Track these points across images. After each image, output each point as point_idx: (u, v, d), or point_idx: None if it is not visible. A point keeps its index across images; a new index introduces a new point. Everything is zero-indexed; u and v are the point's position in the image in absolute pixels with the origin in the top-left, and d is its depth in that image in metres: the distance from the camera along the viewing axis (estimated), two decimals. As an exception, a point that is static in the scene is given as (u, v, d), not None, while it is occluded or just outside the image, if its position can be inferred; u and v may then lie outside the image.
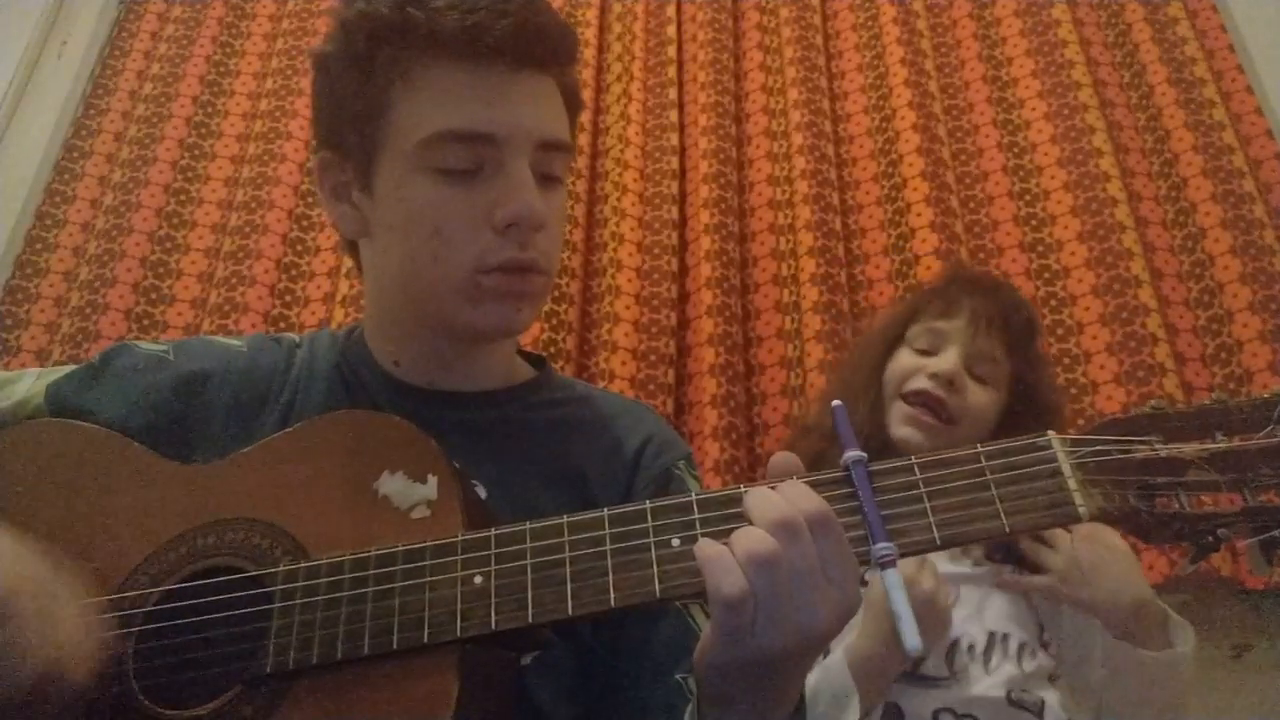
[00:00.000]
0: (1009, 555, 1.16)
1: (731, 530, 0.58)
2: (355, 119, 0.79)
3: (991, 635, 1.11)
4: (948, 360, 1.22)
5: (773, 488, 0.59)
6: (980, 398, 1.22)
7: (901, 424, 1.22)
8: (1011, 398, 1.25)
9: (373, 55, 0.77)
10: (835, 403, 0.67)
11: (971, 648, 1.10)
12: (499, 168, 0.76)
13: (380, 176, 0.79)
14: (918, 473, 0.61)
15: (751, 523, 0.57)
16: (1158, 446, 0.59)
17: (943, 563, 1.15)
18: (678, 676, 0.74)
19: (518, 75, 0.77)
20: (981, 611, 1.12)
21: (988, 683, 1.07)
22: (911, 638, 0.55)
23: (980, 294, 1.28)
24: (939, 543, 0.59)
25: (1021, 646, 1.11)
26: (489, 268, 0.77)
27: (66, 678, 0.61)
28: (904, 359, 1.26)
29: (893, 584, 0.57)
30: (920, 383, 1.22)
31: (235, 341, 0.90)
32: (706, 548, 0.57)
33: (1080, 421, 1.61)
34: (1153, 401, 0.61)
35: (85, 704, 0.64)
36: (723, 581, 0.55)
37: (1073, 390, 1.67)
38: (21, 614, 0.60)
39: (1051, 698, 1.08)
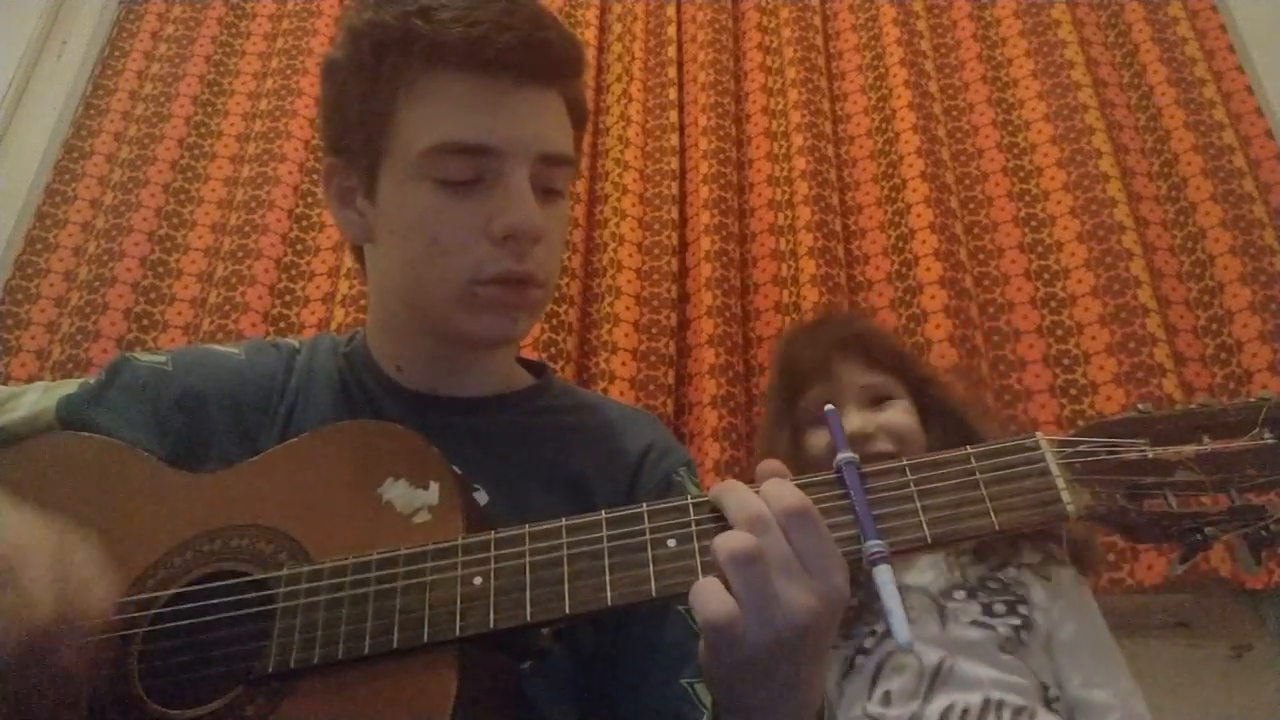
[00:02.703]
0: (993, 610, 1.17)
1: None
2: (360, 126, 0.80)
3: (987, 702, 1.11)
4: (851, 420, 1.25)
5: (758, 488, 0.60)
6: (894, 415, 1.26)
7: None
8: (912, 393, 1.30)
9: (378, 64, 0.78)
10: (828, 407, 0.68)
11: (966, 712, 1.11)
12: (499, 179, 0.77)
13: (383, 184, 0.80)
14: (909, 473, 0.62)
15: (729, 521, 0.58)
16: (1146, 448, 0.60)
17: (943, 627, 1.16)
18: (683, 682, 0.75)
19: (521, 88, 0.77)
20: (978, 679, 1.12)
21: None
22: (902, 633, 0.55)
23: (809, 347, 1.32)
24: (930, 540, 0.60)
25: (1019, 711, 1.11)
26: (485, 279, 0.77)
27: (77, 624, 0.62)
28: (811, 442, 1.28)
29: (884, 580, 0.57)
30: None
31: (233, 349, 0.91)
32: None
33: (1080, 422, 1.62)
34: (1140, 405, 0.62)
35: (91, 670, 0.65)
36: (708, 603, 0.56)
37: (1072, 391, 1.67)
38: (36, 564, 0.62)
39: None
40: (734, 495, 0.59)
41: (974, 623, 1.16)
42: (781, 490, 0.58)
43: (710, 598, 0.56)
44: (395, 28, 0.77)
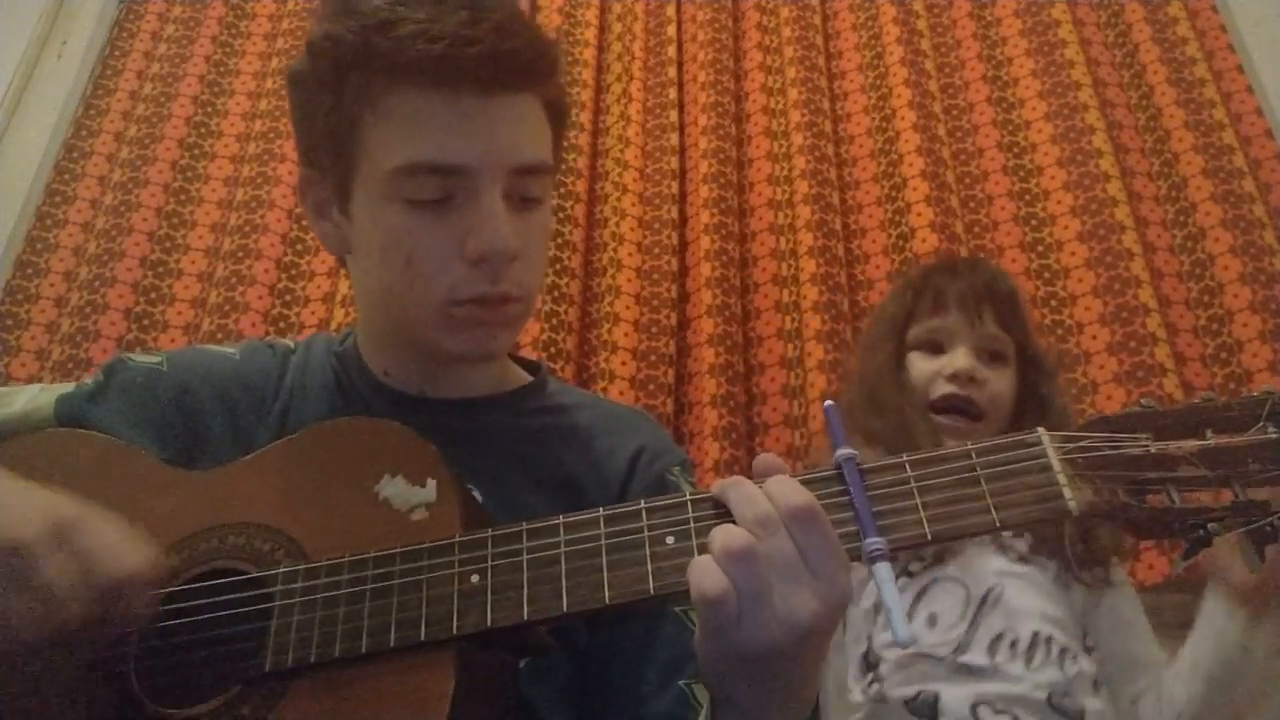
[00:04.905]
0: (1055, 551, 1.16)
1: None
2: (328, 142, 0.78)
3: (1035, 634, 1.10)
4: (961, 357, 1.23)
5: (761, 483, 0.59)
6: (1000, 382, 1.25)
7: (940, 436, 1.21)
8: (1021, 369, 1.27)
9: (340, 81, 0.75)
10: (827, 403, 0.68)
11: (1015, 643, 1.09)
12: (471, 196, 0.75)
13: (356, 200, 0.78)
14: (909, 470, 0.61)
15: (733, 518, 0.58)
16: (1148, 443, 0.59)
17: (991, 558, 1.16)
18: (681, 683, 0.74)
19: (490, 100, 0.74)
20: (1027, 610, 1.11)
21: (1030, 682, 1.06)
22: (902, 629, 0.55)
23: (962, 277, 1.30)
24: (930, 537, 0.59)
25: (1064, 651, 1.10)
26: (461, 300, 0.76)
27: (141, 578, 0.63)
28: (918, 365, 1.26)
29: (883, 578, 0.57)
30: (944, 388, 1.23)
31: (229, 349, 0.91)
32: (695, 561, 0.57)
33: (1079, 421, 1.61)
34: (1143, 400, 0.61)
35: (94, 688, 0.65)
36: (702, 579, 0.55)
37: (1072, 390, 1.66)
38: (95, 523, 0.63)
39: (1092, 705, 1.08)
40: (739, 492, 0.58)
41: (1021, 558, 1.16)
42: (786, 489, 0.58)
43: (705, 574, 0.55)
44: (354, 44, 0.74)
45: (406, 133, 0.74)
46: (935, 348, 1.26)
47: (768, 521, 0.56)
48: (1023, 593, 1.13)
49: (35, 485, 0.66)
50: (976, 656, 1.08)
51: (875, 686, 1.12)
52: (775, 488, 0.58)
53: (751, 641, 0.55)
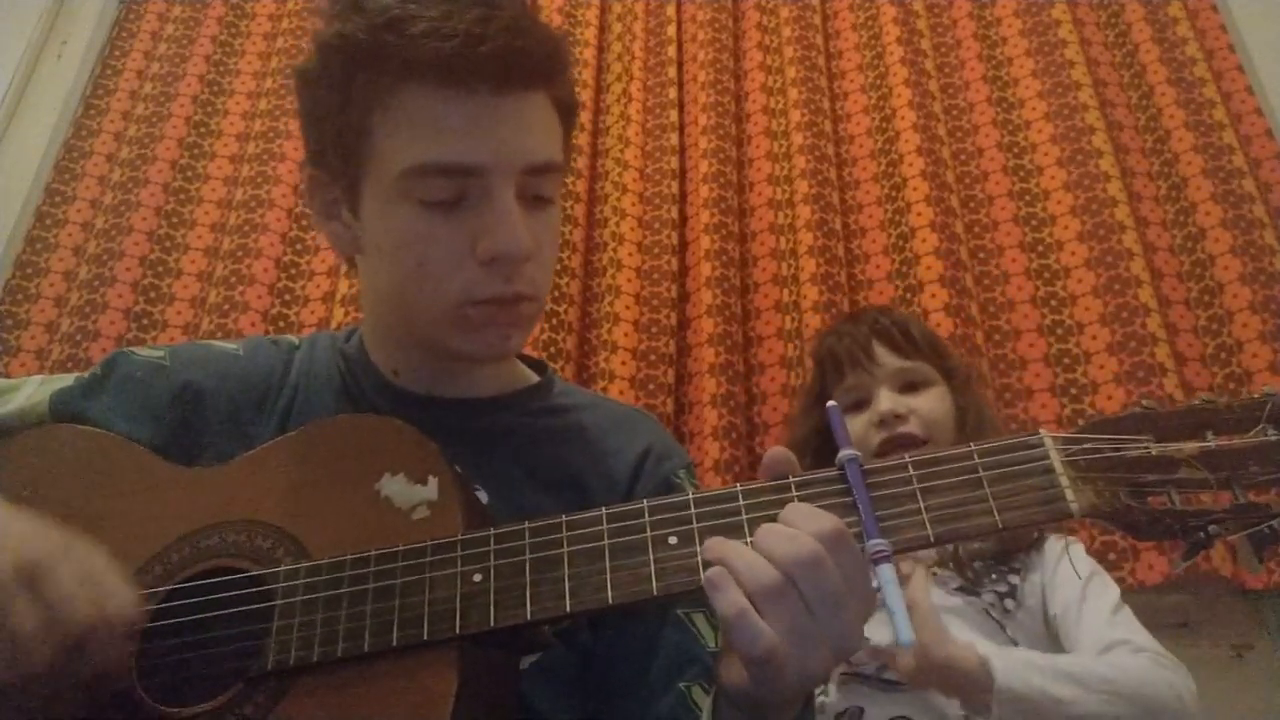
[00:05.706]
0: (981, 581, 1.16)
1: (729, 533, 0.60)
2: (338, 142, 0.77)
3: None
4: (883, 400, 1.26)
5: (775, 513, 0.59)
6: (929, 401, 1.27)
7: None
8: (946, 382, 1.31)
9: (349, 81, 0.74)
10: (830, 403, 0.68)
11: None
12: (483, 196, 0.74)
13: (366, 201, 0.77)
14: (911, 470, 0.61)
15: (770, 560, 0.56)
16: (1149, 445, 0.59)
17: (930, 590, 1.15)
18: (681, 685, 0.74)
19: (501, 99, 0.73)
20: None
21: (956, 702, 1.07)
22: (905, 632, 0.55)
23: (845, 335, 1.34)
24: (933, 539, 0.59)
25: None
26: (475, 301, 0.75)
27: (110, 629, 0.62)
28: (850, 427, 1.28)
29: (886, 579, 0.57)
30: (877, 436, 1.25)
31: (232, 346, 0.90)
32: (729, 606, 0.55)
33: (1080, 422, 1.61)
34: (1144, 401, 0.61)
35: (117, 668, 0.64)
36: (751, 641, 0.54)
37: (1073, 390, 1.67)
38: (67, 565, 0.61)
39: None
40: (773, 534, 0.58)
41: (959, 588, 1.16)
42: (813, 518, 0.58)
43: (752, 635, 0.54)
44: (365, 43, 0.73)
45: (418, 133, 0.73)
46: (860, 405, 1.29)
47: (813, 560, 0.55)
48: (954, 626, 1.11)
49: (16, 511, 0.64)
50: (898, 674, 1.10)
51: (821, 699, 1.14)
52: (800, 519, 0.58)
53: (806, 674, 0.56)
